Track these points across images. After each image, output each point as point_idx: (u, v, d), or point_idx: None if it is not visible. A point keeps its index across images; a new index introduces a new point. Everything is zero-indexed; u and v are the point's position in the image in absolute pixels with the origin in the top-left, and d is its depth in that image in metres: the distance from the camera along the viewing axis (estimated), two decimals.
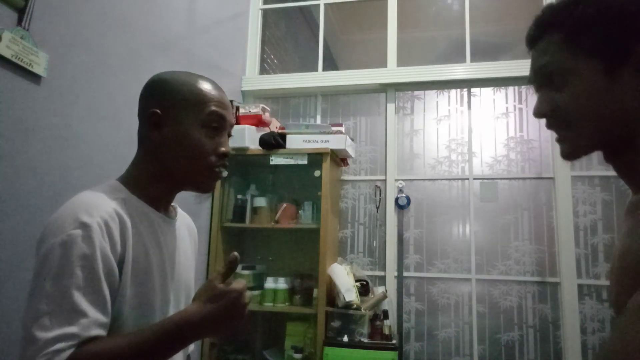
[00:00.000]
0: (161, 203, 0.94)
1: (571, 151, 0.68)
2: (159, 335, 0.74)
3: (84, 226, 0.75)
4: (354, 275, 2.44)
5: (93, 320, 0.72)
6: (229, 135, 0.95)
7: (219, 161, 0.91)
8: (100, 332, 0.73)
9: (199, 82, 0.92)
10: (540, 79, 0.70)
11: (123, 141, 1.72)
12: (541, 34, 0.69)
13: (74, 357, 0.68)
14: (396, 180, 2.78)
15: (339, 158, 2.66)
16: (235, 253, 0.84)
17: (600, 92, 0.63)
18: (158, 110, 0.88)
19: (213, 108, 0.90)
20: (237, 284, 0.82)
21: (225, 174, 0.96)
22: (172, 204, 1.01)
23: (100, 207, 0.79)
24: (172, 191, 0.95)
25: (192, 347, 1.07)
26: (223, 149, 0.91)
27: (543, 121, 0.72)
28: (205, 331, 0.78)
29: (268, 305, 2.44)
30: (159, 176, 0.90)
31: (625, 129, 0.64)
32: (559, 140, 0.70)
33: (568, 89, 0.65)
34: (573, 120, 0.66)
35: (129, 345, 0.72)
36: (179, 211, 1.04)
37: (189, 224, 1.08)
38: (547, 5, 0.70)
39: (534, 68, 0.71)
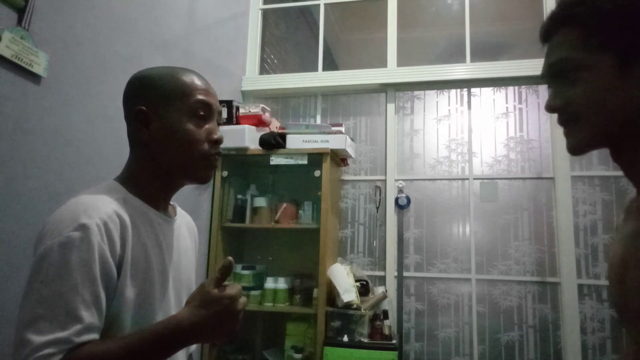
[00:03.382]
0: (160, 202, 0.93)
1: (578, 145, 0.68)
2: (149, 339, 0.74)
3: (83, 228, 0.74)
4: (354, 275, 2.44)
5: (87, 326, 0.71)
6: (219, 122, 0.94)
7: (212, 149, 0.90)
8: (94, 336, 0.73)
9: (181, 73, 0.91)
10: (554, 73, 0.69)
11: (123, 141, 1.71)
12: (557, 29, 0.69)
13: None
14: (396, 180, 2.78)
15: (339, 158, 2.66)
16: (230, 258, 0.82)
17: (613, 87, 0.63)
18: (144, 107, 0.87)
19: (198, 97, 0.89)
20: (231, 289, 0.80)
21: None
22: (171, 202, 1.00)
23: (100, 208, 0.78)
24: (170, 188, 0.94)
25: (193, 346, 1.06)
26: (215, 136, 0.90)
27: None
28: (196, 337, 0.77)
29: (268, 305, 2.44)
30: (155, 174, 0.90)
31: (634, 125, 0.63)
32: (566, 134, 0.69)
33: (581, 83, 0.65)
34: (583, 114, 0.65)
35: (120, 349, 0.71)
36: (179, 210, 1.03)
37: (188, 223, 1.07)
38: (562, 0, 0.70)
39: (549, 62, 0.70)
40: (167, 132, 0.87)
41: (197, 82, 0.91)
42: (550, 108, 0.69)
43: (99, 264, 0.75)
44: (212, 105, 0.91)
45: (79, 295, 0.71)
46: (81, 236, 0.74)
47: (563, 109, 0.68)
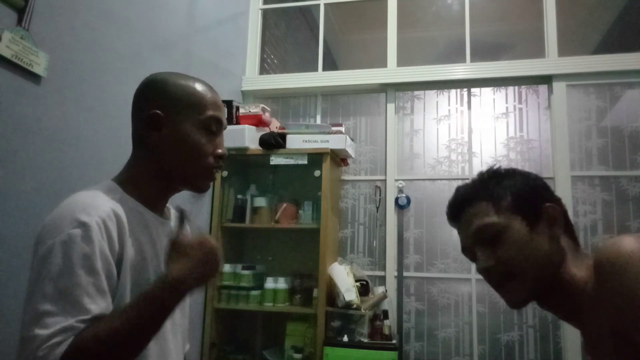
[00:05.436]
0: (156, 204, 0.94)
1: (519, 299, 0.78)
2: (148, 302, 0.75)
3: (83, 225, 0.75)
4: (354, 275, 2.44)
5: (94, 317, 0.72)
6: (222, 137, 0.98)
7: (216, 163, 0.93)
8: None
9: (196, 84, 0.94)
10: (478, 239, 0.80)
11: (122, 141, 1.71)
12: (465, 206, 0.83)
13: (73, 345, 0.68)
14: (396, 180, 2.78)
15: (339, 158, 2.66)
16: (180, 207, 0.90)
17: (529, 242, 0.77)
18: (159, 112, 0.89)
19: (213, 113, 0.92)
20: (200, 234, 0.86)
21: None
22: (167, 205, 1.01)
23: (98, 206, 0.79)
24: (168, 192, 0.96)
25: (187, 346, 1.07)
26: (220, 151, 0.94)
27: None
28: (189, 285, 0.79)
29: (268, 305, 2.44)
30: (156, 176, 0.91)
31: (550, 268, 0.77)
32: (504, 292, 0.79)
33: (505, 242, 0.77)
34: (516, 269, 0.76)
35: (121, 320, 0.72)
36: (173, 212, 1.04)
37: None
38: (460, 186, 0.88)
39: (471, 230, 0.81)
40: (177, 139, 0.89)
41: (213, 97, 0.95)
42: (485, 270, 0.79)
43: (101, 260, 0.76)
44: (222, 121, 0.95)
45: (84, 289, 0.72)
46: (82, 233, 0.75)
47: (496, 268, 0.78)
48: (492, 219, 0.79)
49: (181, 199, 1.02)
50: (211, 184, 0.98)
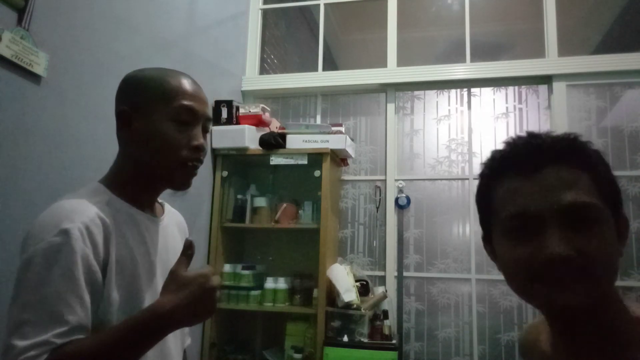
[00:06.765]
0: (144, 202, 0.92)
1: (585, 303, 0.58)
2: (134, 329, 0.73)
3: (65, 233, 0.74)
4: (354, 275, 2.44)
5: (72, 328, 0.71)
6: (205, 130, 0.92)
7: (192, 155, 0.88)
8: (80, 337, 0.73)
9: (169, 76, 0.89)
10: (563, 216, 0.59)
11: None
12: (554, 163, 0.61)
13: None
14: (396, 180, 2.78)
15: (339, 158, 2.66)
16: (189, 238, 0.83)
17: (615, 244, 0.60)
18: (126, 108, 0.88)
19: (182, 102, 0.87)
20: (204, 269, 0.80)
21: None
22: (160, 201, 0.99)
23: (83, 212, 0.78)
24: (152, 189, 0.93)
25: (188, 340, 1.06)
26: (195, 142, 0.88)
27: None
28: (179, 320, 0.76)
29: (268, 305, 2.44)
30: (135, 175, 0.90)
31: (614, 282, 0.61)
32: (570, 291, 0.58)
33: (597, 234, 0.58)
34: (597, 266, 0.58)
35: (104, 342, 0.72)
36: (168, 209, 1.02)
37: (178, 221, 1.06)
38: (570, 134, 0.64)
39: (557, 203, 0.59)
40: (146, 133, 0.86)
41: (185, 86, 0.89)
42: (561, 259, 0.57)
43: (82, 268, 0.75)
44: (196, 111, 0.88)
45: (62, 299, 0.72)
46: (63, 241, 0.74)
47: (575, 260, 0.57)
48: (596, 201, 0.58)
49: (183, 197, 1.02)
50: (191, 180, 0.91)
